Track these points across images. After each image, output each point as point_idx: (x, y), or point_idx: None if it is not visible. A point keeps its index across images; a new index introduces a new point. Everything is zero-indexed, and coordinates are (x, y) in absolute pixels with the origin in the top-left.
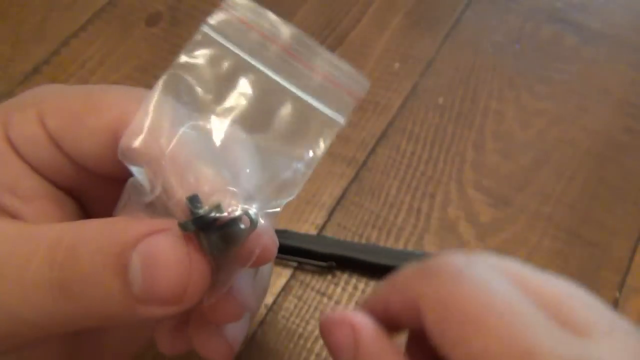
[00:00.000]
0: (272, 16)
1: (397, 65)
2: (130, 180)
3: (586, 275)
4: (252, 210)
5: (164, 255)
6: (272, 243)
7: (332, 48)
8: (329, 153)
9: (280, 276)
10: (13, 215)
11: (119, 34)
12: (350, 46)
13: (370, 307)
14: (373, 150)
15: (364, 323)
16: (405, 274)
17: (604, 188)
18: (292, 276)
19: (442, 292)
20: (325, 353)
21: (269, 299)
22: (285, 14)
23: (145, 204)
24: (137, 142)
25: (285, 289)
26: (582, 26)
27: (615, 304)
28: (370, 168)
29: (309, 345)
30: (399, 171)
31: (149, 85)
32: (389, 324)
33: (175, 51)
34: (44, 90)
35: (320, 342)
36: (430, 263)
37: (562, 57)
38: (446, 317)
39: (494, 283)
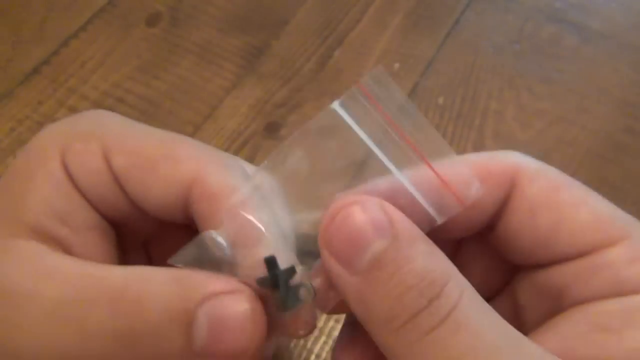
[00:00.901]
0: (400, 96)
1: (397, 65)
2: (205, 234)
3: None
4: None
5: (233, 317)
6: (314, 319)
7: (332, 48)
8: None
9: None
10: (61, 245)
11: (119, 34)
12: (350, 46)
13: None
14: None
15: (387, 203)
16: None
17: (604, 188)
18: None
19: (540, 165)
20: (325, 353)
21: None
22: (286, 14)
23: (210, 258)
24: (243, 210)
25: None
26: (582, 26)
27: None
28: None
29: (309, 345)
30: None
31: (149, 85)
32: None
33: (175, 51)
34: (104, 119)
35: (320, 342)
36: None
37: (562, 57)
38: (555, 186)
39: None
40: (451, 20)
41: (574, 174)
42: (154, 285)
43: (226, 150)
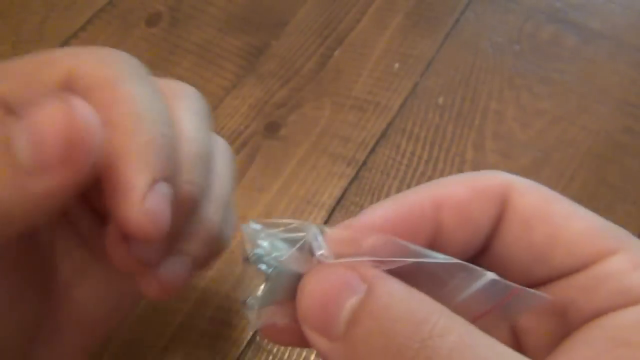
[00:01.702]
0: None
1: (397, 65)
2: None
3: None
4: None
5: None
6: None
7: (332, 48)
8: (329, 153)
9: None
10: None
11: (119, 34)
12: (350, 46)
13: (399, 213)
14: (373, 150)
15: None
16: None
17: (604, 188)
18: None
19: (527, 181)
20: None
21: None
22: (286, 14)
23: None
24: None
25: None
26: (582, 26)
27: None
28: (370, 168)
29: None
30: (399, 171)
31: None
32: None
33: (175, 51)
34: None
35: None
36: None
37: (562, 57)
38: (549, 198)
39: None
40: (451, 20)
41: (574, 174)
42: None
43: None
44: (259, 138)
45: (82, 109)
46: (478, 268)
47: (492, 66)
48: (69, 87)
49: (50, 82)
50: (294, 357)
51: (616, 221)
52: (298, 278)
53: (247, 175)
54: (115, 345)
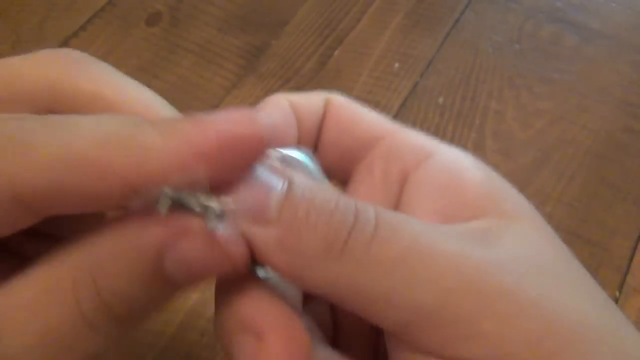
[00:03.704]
0: None
1: (397, 65)
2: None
3: None
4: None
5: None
6: None
7: (332, 48)
8: None
9: None
10: None
11: (119, 34)
12: (350, 46)
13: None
14: None
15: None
16: None
17: (604, 188)
18: None
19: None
20: None
21: None
22: (286, 14)
23: None
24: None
25: None
26: (582, 26)
27: (615, 303)
28: None
29: None
30: None
31: (149, 85)
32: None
33: (175, 51)
34: None
35: None
36: None
37: (562, 57)
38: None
39: None
40: (451, 20)
41: (574, 173)
42: None
43: None
44: None
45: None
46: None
47: (492, 66)
48: (54, 99)
49: (29, 90)
50: None
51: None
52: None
53: None
54: (114, 345)
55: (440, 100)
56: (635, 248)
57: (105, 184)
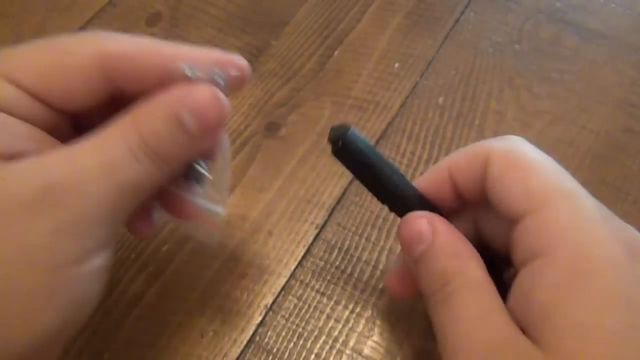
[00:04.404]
0: None
1: (397, 65)
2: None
3: None
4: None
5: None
6: None
7: (332, 48)
8: (329, 153)
9: (280, 276)
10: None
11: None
12: (350, 46)
13: (431, 179)
14: None
15: (439, 218)
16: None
17: (604, 188)
18: (292, 276)
19: (509, 145)
20: (325, 353)
21: (268, 299)
22: (286, 14)
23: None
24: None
25: (285, 288)
26: (582, 26)
27: None
28: None
29: (308, 345)
30: None
31: None
32: (449, 196)
33: None
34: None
35: (320, 341)
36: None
37: (562, 57)
38: (510, 163)
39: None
40: (451, 20)
41: (574, 174)
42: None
43: None
44: (259, 138)
45: (219, 92)
46: None
47: (492, 66)
48: (105, 64)
49: (81, 62)
50: (294, 356)
51: None
52: None
53: (247, 174)
54: (115, 345)
55: (440, 100)
56: None
57: (157, 59)
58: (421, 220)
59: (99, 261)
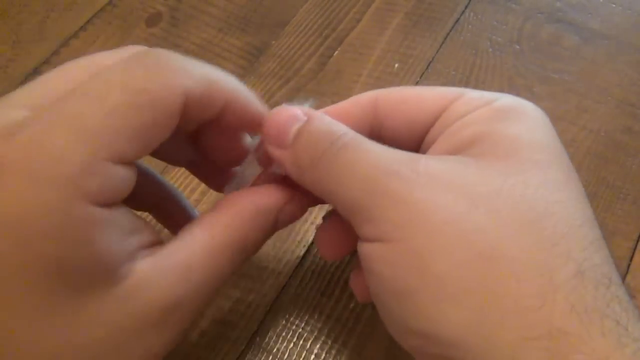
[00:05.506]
0: None
1: (397, 65)
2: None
3: None
4: None
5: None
6: None
7: (332, 48)
8: None
9: (280, 276)
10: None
11: (119, 34)
12: (350, 46)
13: (347, 111)
14: None
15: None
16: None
17: (603, 188)
18: (292, 275)
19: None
20: (325, 353)
21: (268, 299)
22: (286, 14)
23: None
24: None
25: (285, 288)
26: (582, 26)
27: None
28: None
29: (308, 345)
30: None
31: None
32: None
33: (175, 51)
34: None
35: (320, 341)
36: None
37: (562, 57)
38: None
39: None
40: (451, 20)
41: None
42: None
43: None
44: None
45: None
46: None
47: (492, 66)
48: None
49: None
50: (294, 357)
51: (616, 221)
52: None
53: None
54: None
55: None
56: (634, 248)
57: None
58: (293, 108)
59: None
